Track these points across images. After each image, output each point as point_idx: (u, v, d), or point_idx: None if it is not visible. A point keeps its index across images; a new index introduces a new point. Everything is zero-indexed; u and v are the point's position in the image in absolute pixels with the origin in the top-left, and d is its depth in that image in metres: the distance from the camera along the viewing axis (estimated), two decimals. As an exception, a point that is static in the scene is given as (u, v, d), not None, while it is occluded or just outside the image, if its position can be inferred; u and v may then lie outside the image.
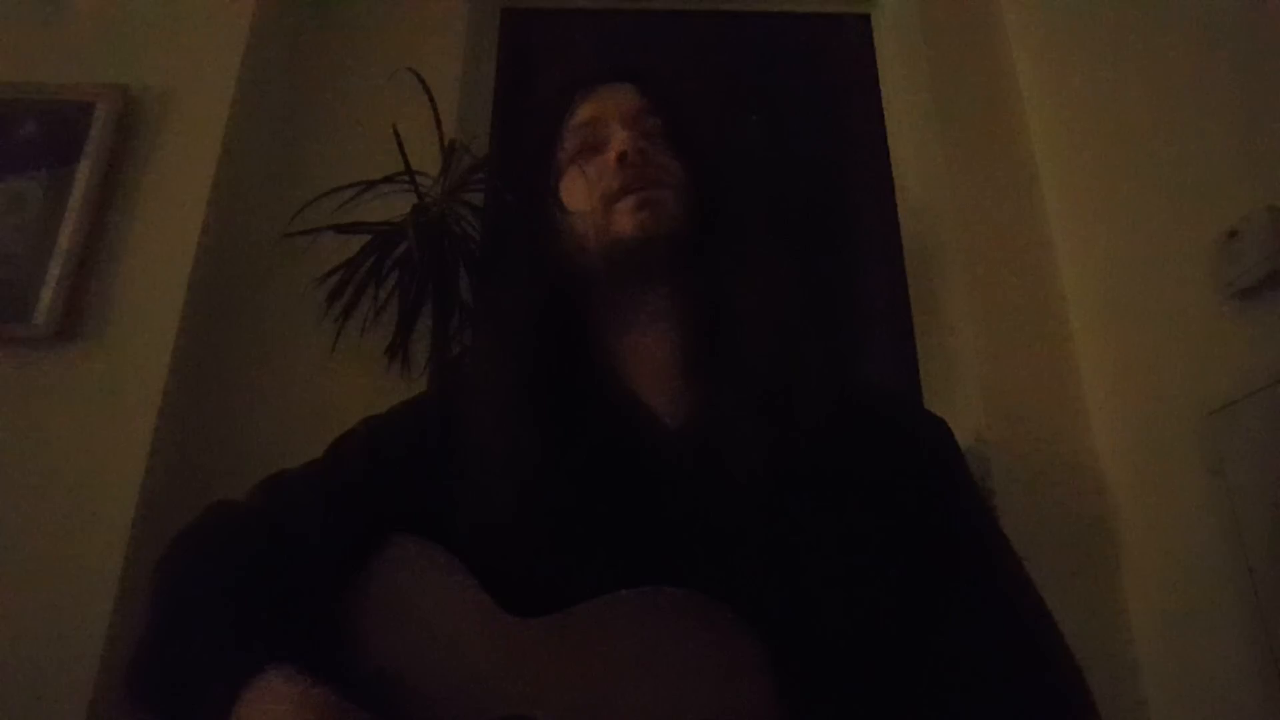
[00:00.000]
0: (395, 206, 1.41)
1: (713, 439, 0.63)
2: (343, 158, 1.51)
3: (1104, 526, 1.32)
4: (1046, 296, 1.48)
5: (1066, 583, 1.23)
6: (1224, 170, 1.09)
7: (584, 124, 0.73)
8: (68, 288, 1.24)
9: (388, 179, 1.43)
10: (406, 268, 1.37)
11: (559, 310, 0.70)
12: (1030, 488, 1.33)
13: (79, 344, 1.24)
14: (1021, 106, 1.63)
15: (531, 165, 0.77)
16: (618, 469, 0.64)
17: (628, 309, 0.70)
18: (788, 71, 1.84)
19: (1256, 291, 1.03)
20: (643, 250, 0.67)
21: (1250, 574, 1.01)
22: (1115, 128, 1.35)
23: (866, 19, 1.85)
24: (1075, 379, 1.42)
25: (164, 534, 0.68)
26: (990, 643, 0.59)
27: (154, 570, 0.66)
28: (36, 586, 1.10)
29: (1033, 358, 1.44)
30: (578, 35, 1.84)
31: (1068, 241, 1.49)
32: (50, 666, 1.06)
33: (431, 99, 1.50)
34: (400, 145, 1.42)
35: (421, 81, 1.52)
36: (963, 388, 1.45)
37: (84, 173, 1.31)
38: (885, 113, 1.76)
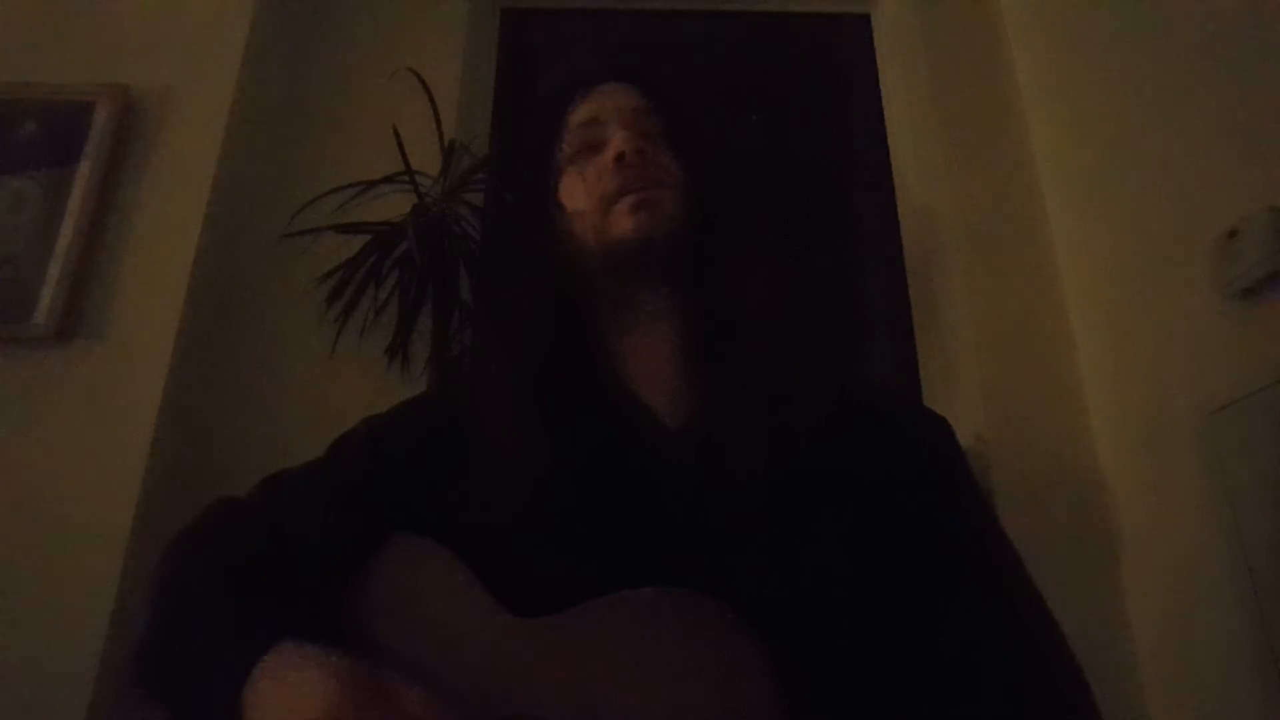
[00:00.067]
0: (395, 206, 1.41)
1: (713, 439, 0.63)
2: (343, 158, 1.52)
3: (1104, 526, 1.32)
4: (1046, 296, 1.48)
5: (1066, 583, 1.23)
6: (1224, 170, 1.09)
7: (583, 124, 0.73)
8: (68, 288, 1.24)
9: (388, 179, 1.43)
10: (406, 268, 1.37)
11: (560, 310, 0.70)
12: (1030, 488, 1.33)
13: (79, 344, 1.24)
14: (1021, 106, 1.63)
15: (531, 165, 0.77)
16: (618, 469, 0.64)
17: (628, 309, 0.70)
18: (788, 71, 1.84)
19: (1256, 291, 1.03)
20: (641, 251, 0.67)
21: (1250, 574, 1.01)
22: (1115, 128, 1.35)
23: (866, 19, 1.85)
24: (1075, 379, 1.42)
25: (164, 534, 0.68)
26: (991, 642, 0.59)
27: (157, 565, 0.66)
28: (36, 586, 1.10)
29: (1033, 358, 1.44)
30: (578, 35, 1.84)
31: (1068, 241, 1.49)
32: (50, 666, 1.06)
33: (431, 99, 1.50)
34: (400, 145, 1.42)
35: (421, 81, 1.52)
36: (963, 388, 1.45)
37: (84, 173, 1.32)
38: (885, 113, 1.76)
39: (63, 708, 1.04)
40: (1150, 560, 1.25)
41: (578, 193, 0.70)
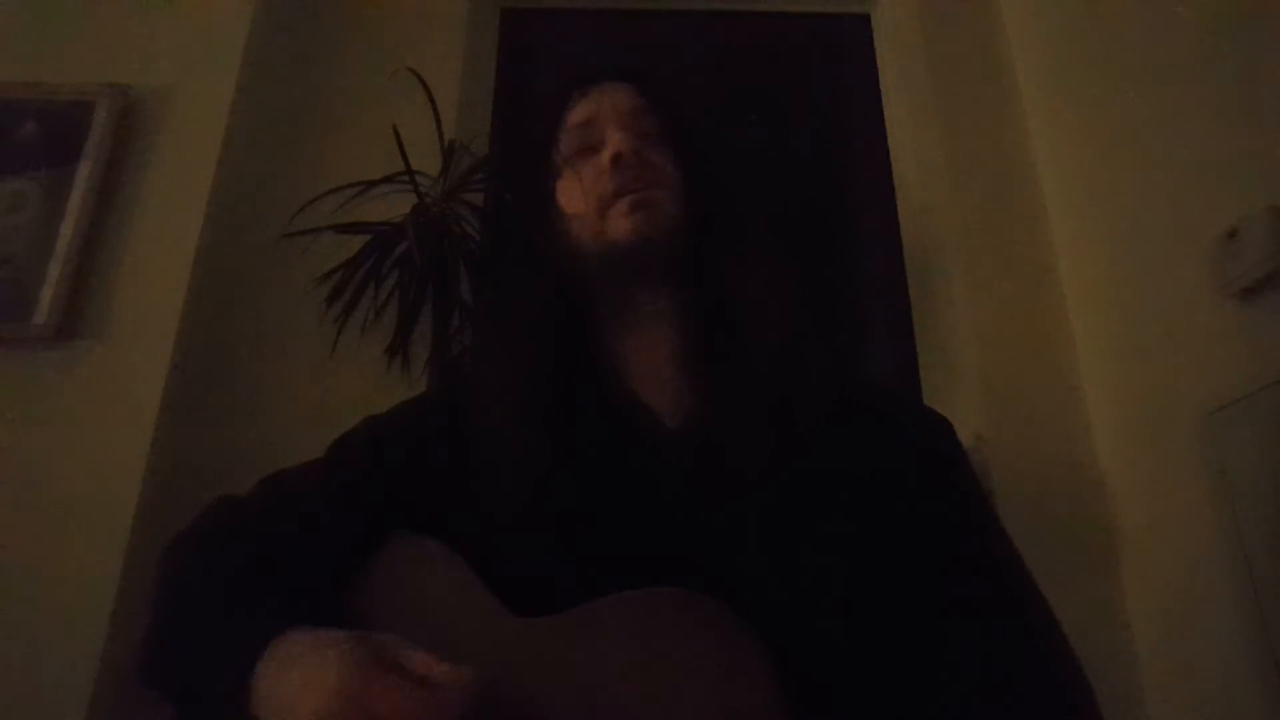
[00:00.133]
0: (395, 206, 1.41)
1: (713, 438, 0.63)
2: (343, 158, 1.51)
3: (1104, 526, 1.32)
4: (1046, 296, 1.48)
5: (1066, 583, 1.22)
6: (1224, 170, 1.09)
7: (580, 125, 0.73)
8: (68, 288, 1.24)
9: (388, 179, 1.43)
10: (406, 268, 1.37)
11: (560, 311, 0.70)
12: (1030, 488, 1.33)
13: (79, 344, 1.24)
14: (1021, 106, 1.63)
15: (530, 166, 0.77)
16: (618, 469, 0.64)
17: (627, 310, 0.70)
18: (788, 71, 1.84)
19: (1256, 291, 1.03)
20: (639, 252, 0.67)
21: (1250, 574, 1.01)
22: (1115, 128, 1.35)
23: (866, 19, 1.85)
24: (1075, 379, 1.42)
25: (164, 533, 0.69)
26: (992, 640, 0.59)
27: (159, 562, 0.66)
28: (36, 586, 1.10)
29: (1033, 358, 1.44)
30: (578, 35, 1.84)
31: (1068, 241, 1.49)
32: (50, 666, 1.06)
33: (431, 99, 1.50)
34: (400, 145, 1.42)
35: (421, 81, 1.52)
36: (963, 388, 1.45)
37: (84, 173, 1.32)
38: (885, 113, 1.76)
39: (63, 708, 1.04)
40: (1150, 560, 1.25)
41: (575, 194, 0.70)
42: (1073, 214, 1.49)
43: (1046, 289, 1.49)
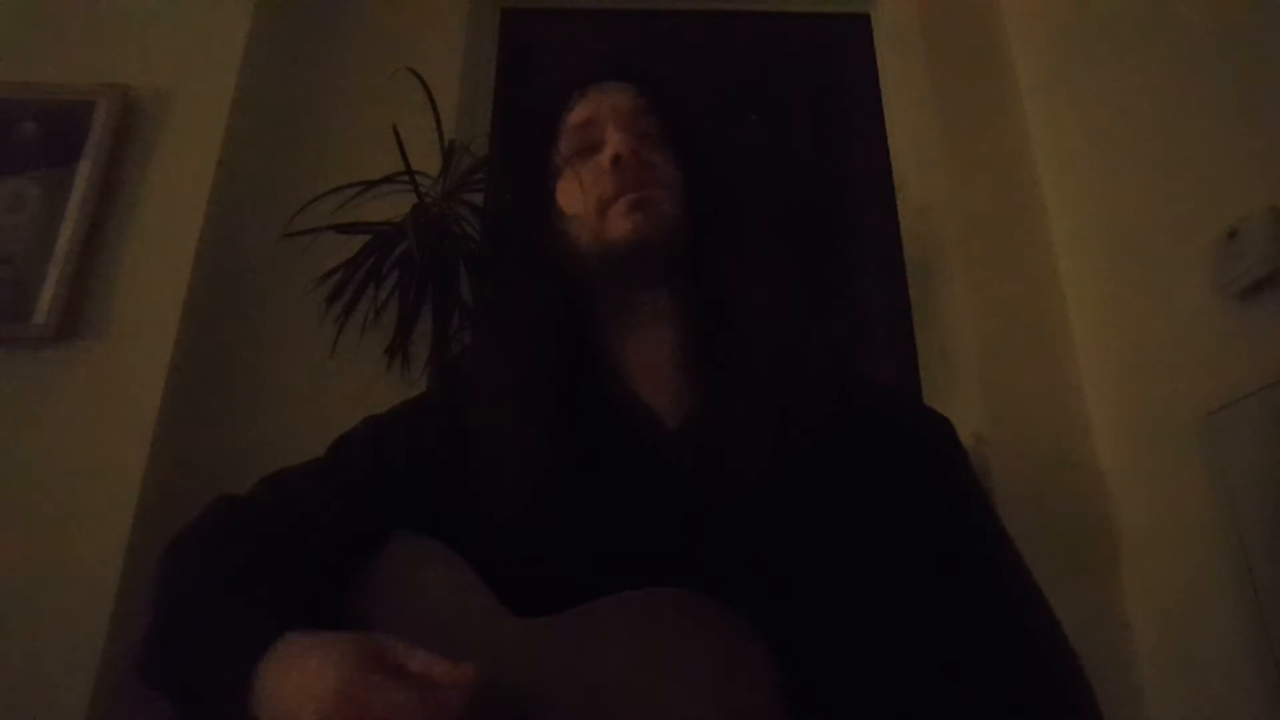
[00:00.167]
0: (395, 206, 1.41)
1: (713, 438, 0.63)
2: (343, 158, 1.51)
3: (1104, 526, 1.32)
4: (1046, 296, 1.48)
5: (1066, 583, 1.22)
6: (1224, 170, 1.09)
7: (579, 126, 0.73)
8: (68, 288, 1.24)
9: (388, 179, 1.43)
10: (406, 268, 1.37)
11: (560, 311, 0.70)
12: (1030, 488, 1.33)
13: (79, 344, 1.24)
14: (1021, 106, 1.63)
15: (529, 166, 0.77)
16: (619, 469, 0.64)
17: (627, 310, 0.70)
18: (788, 71, 1.84)
19: (1256, 291, 1.03)
20: (638, 253, 0.67)
21: (1250, 574, 1.01)
22: (1115, 127, 1.35)
23: (866, 19, 1.85)
24: (1075, 379, 1.42)
25: (164, 534, 0.69)
26: (993, 640, 0.59)
27: (159, 561, 0.66)
28: (36, 586, 1.10)
29: (1033, 358, 1.44)
30: (578, 35, 1.84)
31: (1068, 241, 1.49)
32: (50, 666, 1.06)
33: (431, 99, 1.49)
34: (400, 145, 1.42)
35: (421, 81, 1.52)
36: (963, 388, 1.45)
37: (84, 173, 1.32)
38: (885, 113, 1.76)
39: (63, 708, 1.04)
40: (1150, 560, 1.25)
41: (574, 196, 0.70)
42: (1073, 214, 1.49)
43: (1046, 289, 1.49)
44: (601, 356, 0.70)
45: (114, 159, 1.34)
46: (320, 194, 1.44)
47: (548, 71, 1.80)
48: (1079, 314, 1.45)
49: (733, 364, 0.66)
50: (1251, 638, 1.01)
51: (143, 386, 1.22)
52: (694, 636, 0.52)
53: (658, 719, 0.51)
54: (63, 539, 1.12)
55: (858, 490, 0.62)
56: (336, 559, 0.65)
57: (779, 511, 0.60)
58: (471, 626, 0.59)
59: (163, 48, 1.44)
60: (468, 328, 1.36)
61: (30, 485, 1.15)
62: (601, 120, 0.72)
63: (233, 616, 0.59)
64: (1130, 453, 1.31)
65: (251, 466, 0.73)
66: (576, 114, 0.74)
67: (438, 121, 1.48)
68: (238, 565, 0.63)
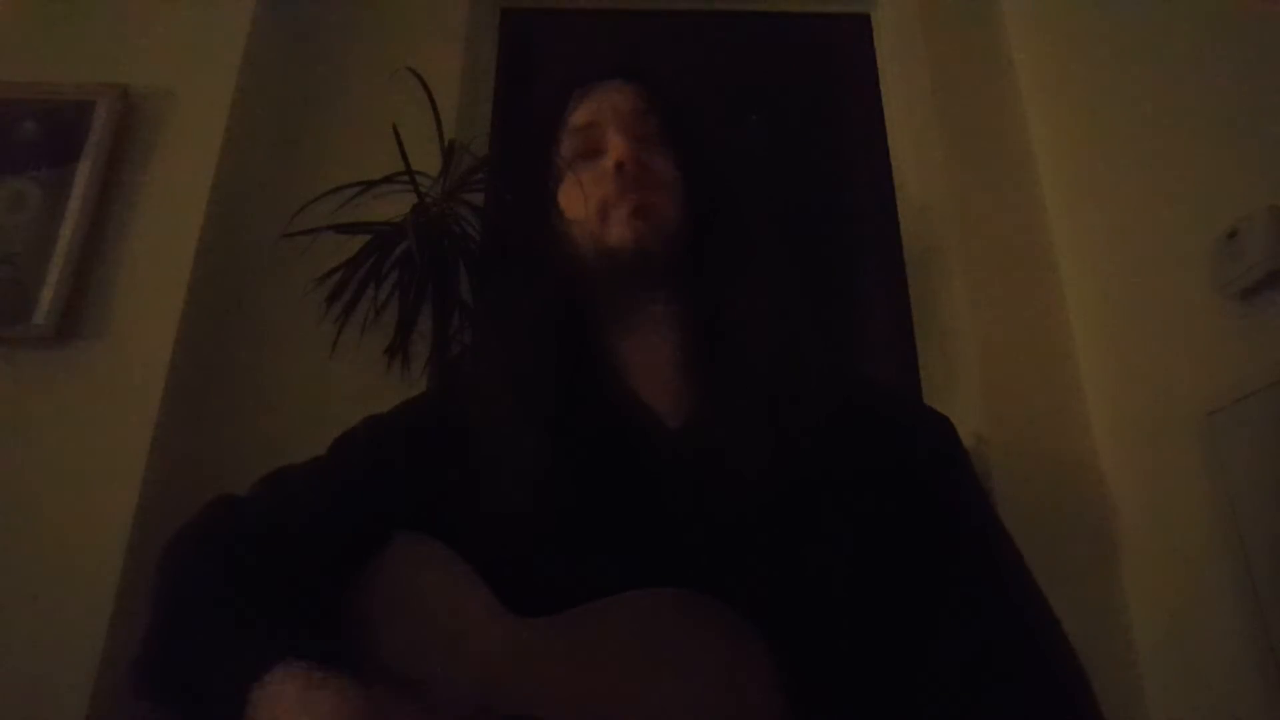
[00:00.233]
0: (395, 206, 1.41)
1: (714, 439, 0.63)
2: (343, 158, 1.51)
3: (1104, 526, 1.32)
4: (1046, 296, 1.48)
5: (1066, 582, 1.22)
6: (1224, 170, 1.09)
7: (581, 128, 0.73)
8: (68, 288, 1.24)
9: (388, 179, 1.43)
10: (406, 268, 1.37)
11: (560, 312, 0.70)
12: (1030, 488, 1.33)
13: (79, 344, 1.24)
14: (1021, 106, 1.63)
15: (530, 167, 0.77)
16: (620, 469, 0.64)
17: (627, 312, 0.70)
18: (788, 71, 1.83)
19: (1256, 291, 1.03)
20: (638, 260, 0.67)
21: (1250, 573, 1.01)
22: (1115, 127, 1.35)
23: (866, 19, 1.85)
24: (1075, 379, 1.42)
25: (164, 534, 0.69)
26: (993, 640, 0.59)
27: (157, 564, 0.66)
28: (36, 586, 1.10)
29: (1033, 358, 1.44)
30: (578, 35, 1.84)
31: (1068, 241, 1.49)
32: (50, 666, 1.06)
33: (431, 99, 1.49)
34: (400, 145, 1.42)
35: (421, 81, 1.52)
36: (963, 388, 1.45)
37: (84, 172, 1.31)
38: (885, 113, 1.76)
39: (63, 708, 1.04)
40: (1150, 560, 1.25)
41: (576, 200, 0.70)
42: (1073, 214, 1.49)
43: (1046, 289, 1.49)
44: (602, 357, 0.70)
45: (114, 159, 1.34)
46: (320, 194, 1.44)
47: (548, 71, 1.80)
48: (1079, 314, 1.45)
49: (733, 364, 0.66)
50: (1251, 638, 1.01)
51: (143, 386, 1.22)
52: (694, 637, 0.52)
53: (659, 719, 0.51)
54: (63, 539, 1.12)
55: (858, 490, 0.62)
56: (337, 558, 0.65)
57: (779, 511, 0.60)
58: (472, 627, 0.59)
59: (163, 48, 1.43)
60: (468, 328, 1.36)
61: (30, 485, 1.15)
62: (603, 123, 0.72)
63: (229, 631, 0.58)
64: (1130, 453, 1.31)
65: (251, 466, 0.73)
66: (578, 116, 0.74)
67: (438, 121, 1.49)
68: (236, 573, 0.62)
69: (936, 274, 1.56)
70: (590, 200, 0.69)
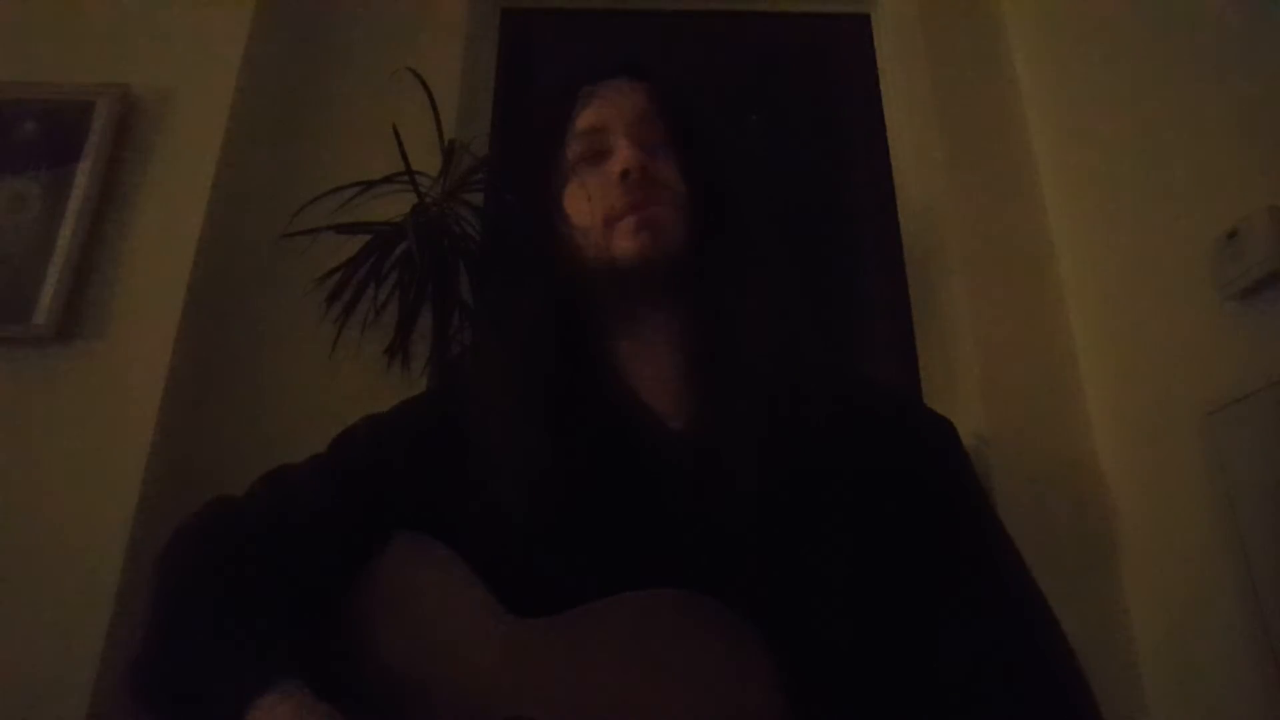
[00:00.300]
0: (395, 206, 1.41)
1: (715, 440, 0.63)
2: (343, 158, 1.51)
3: (1104, 526, 1.32)
4: (1046, 296, 1.48)
5: (1066, 582, 1.22)
6: (1224, 170, 1.09)
7: (588, 131, 0.72)
8: (68, 288, 1.24)
9: (388, 179, 1.43)
10: (406, 268, 1.37)
11: (561, 312, 0.70)
12: (1030, 487, 1.33)
13: (79, 344, 1.24)
14: (1021, 106, 1.63)
15: (534, 163, 0.77)
16: (621, 470, 0.64)
17: (630, 317, 0.70)
18: (788, 71, 1.84)
19: (1256, 291, 1.03)
20: (642, 271, 0.67)
21: (1250, 573, 1.01)
22: (1115, 127, 1.35)
23: (866, 19, 1.85)
24: (1075, 379, 1.42)
25: (164, 533, 0.68)
26: (994, 643, 0.59)
27: (155, 564, 0.66)
28: (36, 586, 1.10)
29: (1033, 358, 1.44)
30: (578, 35, 1.84)
31: (1068, 241, 1.49)
32: (50, 666, 1.06)
33: (431, 99, 1.50)
34: (400, 145, 1.42)
35: (421, 81, 1.52)
36: (963, 388, 1.45)
37: (84, 173, 1.31)
38: (885, 113, 1.76)
39: (62, 708, 1.04)
40: (1150, 560, 1.25)
41: (581, 205, 0.70)
42: (1073, 214, 1.49)
43: (1046, 289, 1.49)
44: (602, 358, 0.70)
45: (114, 159, 1.34)
46: (320, 194, 1.44)
47: (548, 72, 1.80)
48: (1079, 314, 1.45)
49: (734, 366, 0.66)
50: (1251, 638, 1.01)
51: (143, 386, 1.22)
52: (694, 638, 0.52)
53: None
54: (63, 539, 1.12)
55: (859, 492, 0.62)
56: (336, 558, 0.65)
57: (780, 512, 0.60)
58: (471, 627, 0.59)
59: (163, 48, 1.43)
60: (468, 328, 1.36)
61: (30, 485, 1.15)
62: (611, 127, 0.71)
63: (226, 640, 0.58)
64: (1130, 453, 1.31)
65: (251, 466, 0.72)
66: (585, 118, 0.72)
67: (438, 121, 1.49)
68: (234, 575, 0.62)
69: (936, 274, 1.56)
70: (596, 207, 0.68)
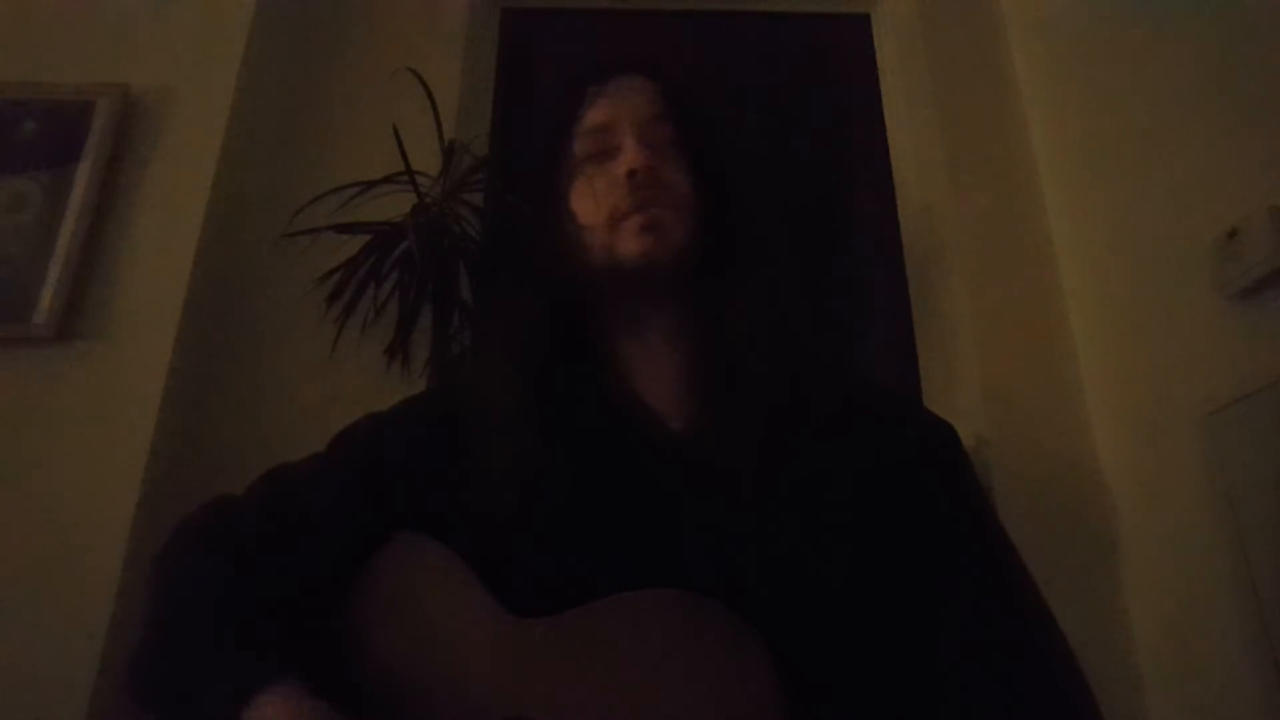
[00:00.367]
0: (395, 206, 1.41)
1: (717, 441, 0.63)
2: (343, 158, 1.51)
3: (1104, 526, 1.32)
4: (1046, 296, 1.48)
5: (1066, 583, 1.22)
6: (1224, 170, 1.09)
7: (595, 129, 0.72)
8: (68, 288, 1.24)
9: (388, 179, 1.43)
10: (406, 268, 1.37)
11: (563, 312, 0.70)
12: (1030, 488, 1.33)
13: (79, 344, 1.24)
14: (1021, 106, 1.63)
15: (540, 161, 0.76)
16: (621, 470, 0.64)
17: (633, 318, 0.70)
18: (788, 71, 1.83)
19: (1256, 291, 1.03)
20: (646, 272, 0.67)
21: (1250, 574, 1.01)
22: (1115, 127, 1.35)
23: (866, 19, 1.85)
24: (1075, 379, 1.42)
25: (164, 533, 0.68)
26: (992, 643, 0.59)
27: (153, 564, 0.66)
28: (36, 586, 1.10)
29: (1033, 358, 1.44)
30: (578, 35, 1.84)
31: (1068, 241, 1.49)
32: (50, 666, 1.06)
33: (431, 99, 1.49)
34: (400, 145, 1.41)
35: (421, 81, 1.52)
36: (963, 388, 1.45)
37: (84, 173, 1.31)
38: (885, 113, 1.76)
39: (62, 708, 1.04)
40: (1150, 560, 1.25)
41: (587, 204, 0.70)
42: (1072, 214, 1.49)
43: (1046, 289, 1.49)
44: (604, 359, 0.70)
45: (114, 159, 1.34)
46: (320, 194, 1.44)
47: (548, 71, 1.80)
48: (1079, 314, 1.45)
49: (736, 367, 0.66)
50: (1251, 638, 1.01)
51: (143, 386, 1.22)
52: (694, 638, 0.52)
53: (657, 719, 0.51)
54: (63, 539, 1.12)
55: (859, 493, 0.62)
56: (336, 557, 0.65)
57: (780, 513, 0.60)
58: (471, 627, 0.59)
59: (163, 48, 1.43)
60: (468, 328, 1.36)
61: (30, 485, 1.15)
62: (618, 125, 0.71)
63: (225, 641, 0.58)
64: (1130, 453, 1.30)
65: (251, 466, 0.73)
66: (593, 115, 0.72)
67: (438, 121, 1.48)
68: (233, 575, 0.62)
69: (936, 274, 1.56)
70: (602, 206, 0.68)
